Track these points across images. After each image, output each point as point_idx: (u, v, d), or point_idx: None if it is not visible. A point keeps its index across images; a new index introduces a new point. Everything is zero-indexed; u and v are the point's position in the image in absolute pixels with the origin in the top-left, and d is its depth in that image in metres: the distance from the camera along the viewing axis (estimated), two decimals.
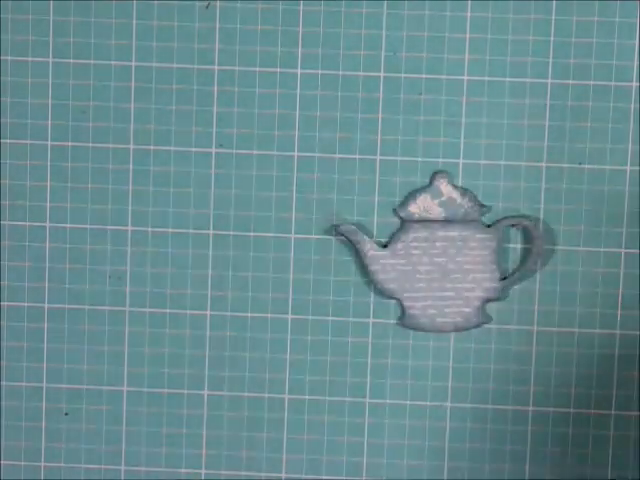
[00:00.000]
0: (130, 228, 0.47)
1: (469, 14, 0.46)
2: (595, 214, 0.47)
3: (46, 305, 0.48)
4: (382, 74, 0.47)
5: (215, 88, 0.47)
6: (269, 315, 0.48)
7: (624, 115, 0.46)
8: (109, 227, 0.47)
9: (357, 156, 0.47)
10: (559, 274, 0.47)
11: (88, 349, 0.48)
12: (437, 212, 0.47)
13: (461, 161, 0.47)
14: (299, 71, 0.47)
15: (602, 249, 0.47)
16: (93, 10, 0.47)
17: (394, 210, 0.47)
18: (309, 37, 0.46)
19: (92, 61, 0.47)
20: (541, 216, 0.47)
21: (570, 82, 0.46)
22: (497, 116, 0.47)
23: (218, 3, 0.47)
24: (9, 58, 0.47)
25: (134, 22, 0.47)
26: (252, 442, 0.48)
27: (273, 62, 0.47)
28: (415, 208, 0.47)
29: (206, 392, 0.48)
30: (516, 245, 0.47)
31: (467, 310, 0.47)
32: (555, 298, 0.47)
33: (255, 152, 0.47)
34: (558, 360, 0.47)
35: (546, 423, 0.48)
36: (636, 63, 0.46)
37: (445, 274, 0.47)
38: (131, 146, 0.47)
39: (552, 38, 0.46)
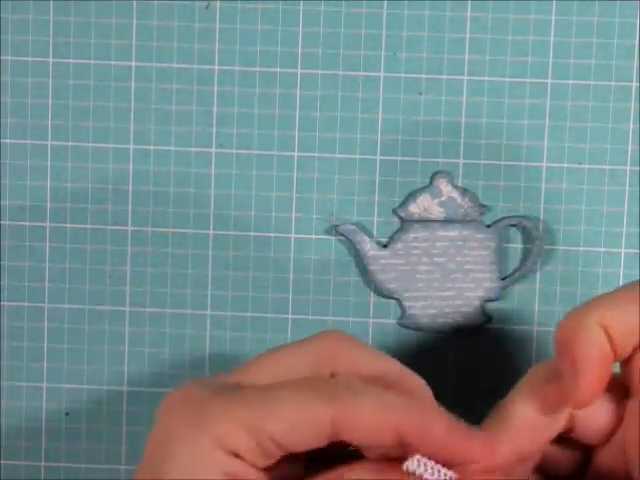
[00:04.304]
0: (130, 228, 0.47)
1: (469, 14, 0.46)
2: (595, 214, 0.47)
3: (46, 305, 0.48)
4: (382, 74, 0.47)
5: (215, 88, 0.47)
6: (269, 315, 0.48)
7: (624, 115, 0.46)
8: (109, 227, 0.47)
9: (357, 156, 0.47)
10: (559, 274, 0.47)
11: (88, 349, 0.48)
12: (437, 212, 0.47)
13: (461, 161, 0.47)
14: (299, 71, 0.47)
15: (602, 249, 0.47)
16: (93, 10, 0.47)
17: (394, 210, 0.47)
18: (309, 37, 0.46)
19: (92, 61, 0.47)
20: (541, 216, 0.47)
21: (570, 82, 0.46)
22: (497, 116, 0.46)
23: (218, 3, 0.47)
24: (9, 58, 0.47)
25: (134, 22, 0.47)
26: None
27: (273, 62, 0.47)
28: (415, 208, 0.47)
29: None
30: (516, 245, 0.47)
31: (467, 310, 0.47)
32: (555, 298, 0.47)
33: (255, 152, 0.47)
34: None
35: None
36: (636, 63, 0.46)
37: (445, 274, 0.47)
38: (131, 146, 0.47)
39: (552, 38, 0.46)
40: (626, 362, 0.35)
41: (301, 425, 0.34)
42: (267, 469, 0.35)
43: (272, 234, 0.47)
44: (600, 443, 0.37)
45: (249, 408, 0.34)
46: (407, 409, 0.34)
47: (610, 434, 0.36)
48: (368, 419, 0.34)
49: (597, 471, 0.37)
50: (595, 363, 0.34)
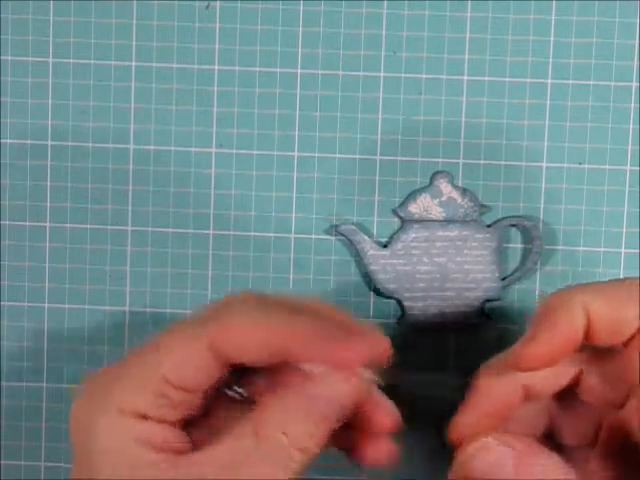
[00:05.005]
0: (130, 228, 0.47)
1: (469, 14, 0.46)
2: (595, 214, 0.47)
3: (46, 305, 0.48)
4: (382, 74, 0.47)
5: (215, 88, 0.47)
6: None
7: (624, 115, 0.46)
8: (109, 227, 0.47)
9: (357, 156, 0.47)
10: (559, 274, 0.47)
11: (88, 349, 0.48)
12: (437, 212, 0.47)
13: (461, 161, 0.47)
14: (299, 71, 0.47)
15: (602, 249, 0.47)
16: (93, 10, 0.47)
17: (394, 210, 0.47)
18: (309, 37, 0.46)
19: (92, 61, 0.47)
20: (541, 216, 0.47)
21: (570, 82, 0.46)
22: (497, 116, 0.46)
23: (218, 3, 0.47)
24: (9, 58, 0.47)
25: (134, 22, 0.47)
26: None
27: (273, 62, 0.47)
28: (415, 208, 0.47)
29: None
30: (516, 245, 0.47)
31: (467, 310, 0.47)
32: None
33: (255, 152, 0.47)
34: None
35: None
36: (636, 63, 0.46)
37: (445, 274, 0.47)
38: (131, 146, 0.47)
39: (552, 38, 0.46)
40: (623, 353, 0.35)
41: (187, 357, 0.34)
42: (192, 428, 0.35)
43: (272, 234, 0.47)
44: (608, 408, 0.37)
45: (140, 361, 0.34)
46: (277, 320, 0.34)
47: (619, 404, 0.36)
48: (238, 334, 0.34)
49: (608, 436, 0.37)
50: (558, 336, 0.34)
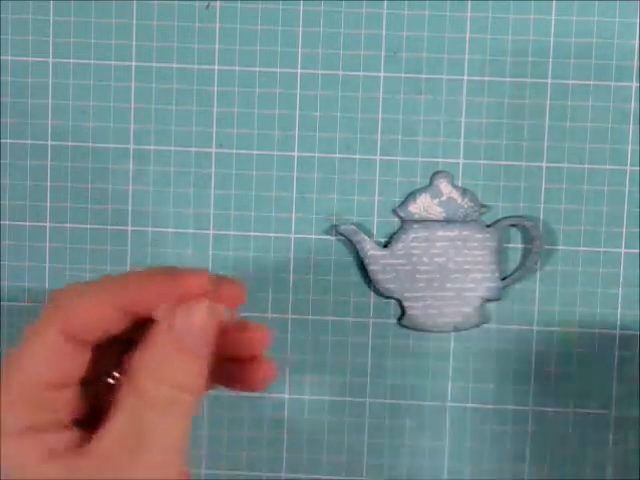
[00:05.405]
0: (130, 228, 0.47)
1: (469, 14, 0.46)
2: (595, 214, 0.47)
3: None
4: (382, 74, 0.47)
5: (215, 88, 0.47)
6: (269, 315, 0.48)
7: (624, 115, 0.46)
8: (109, 227, 0.47)
9: (357, 156, 0.47)
10: (559, 274, 0.47)
11: None
12: (437, 212, 0.47)
13: (461, 161, 0.47)
14: (299, 71, 0.47)
15: (602, 249, 0.47)
16: (93, 10, 0.47)
17: (394, 210, 0.47)
18: (309, 37, 0.46)
19: (92, 61, 0.47)
20: (541, 216, 0.47)
21: (570, 82, 0.46)
22: (497, 116, 0.46)
23: (218, 3, 0.47)
24: (9, 58, 0.47)
25: (134, 22, 0.47)
26: (252, 442, 0.48)
27: (273, 62, 0.47)
28: (415, 208, 0.47)
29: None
30: (516, 245, 0.47)
31: (467, 310, 0.47)
32: (555, 298, 0.47)
33: (255, 152, 0.47)
34: (558, 360, 0.47)
35: (546, 423, 0.48)
36: (636, 63, 0.46)
37: (445, 274, 0.47)
38: (131, 146, 0.47)
39: (552, 38, 0.46)
40: None
41: (45, 354, 0.34)
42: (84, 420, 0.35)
43: (272, 234, 0.47)
44: None
45: (7, 375, 0.34)
46: (112, 283, 0.34)
47: None
48: (81, 315, 0.34)
49: None
50: None
